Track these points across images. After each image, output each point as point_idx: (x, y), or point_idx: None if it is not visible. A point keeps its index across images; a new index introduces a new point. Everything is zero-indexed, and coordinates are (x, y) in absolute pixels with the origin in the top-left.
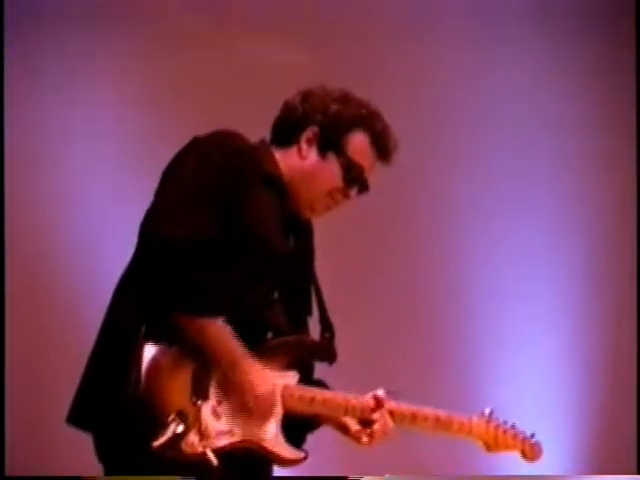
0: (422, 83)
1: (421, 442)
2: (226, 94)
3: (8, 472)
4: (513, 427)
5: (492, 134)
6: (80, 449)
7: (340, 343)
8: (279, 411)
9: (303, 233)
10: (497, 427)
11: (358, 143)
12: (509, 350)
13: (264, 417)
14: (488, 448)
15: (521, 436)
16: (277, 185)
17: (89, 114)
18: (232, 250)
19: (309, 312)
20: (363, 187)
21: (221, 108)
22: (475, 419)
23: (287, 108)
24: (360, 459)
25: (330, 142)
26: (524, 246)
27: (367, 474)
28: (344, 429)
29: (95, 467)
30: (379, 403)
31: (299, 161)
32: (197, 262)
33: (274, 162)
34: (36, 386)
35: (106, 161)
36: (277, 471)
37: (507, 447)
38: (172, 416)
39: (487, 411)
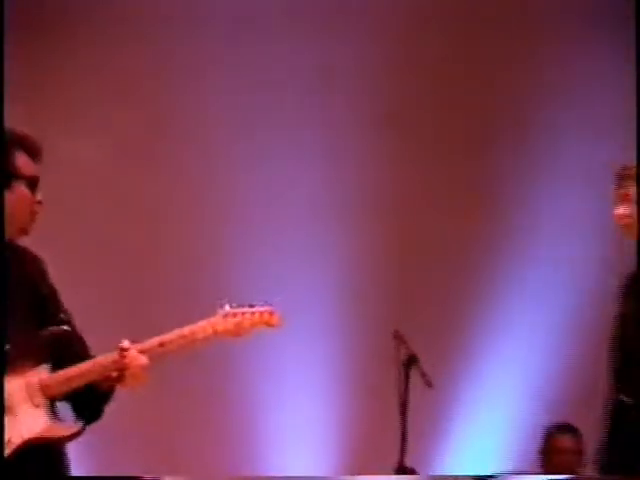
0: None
1: None
2: None
3: None
4: (251, 306)
5: None
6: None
7: None
8: (41, 402)
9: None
10: (234, 314)
11: (16, 162)
12: None
13: (23, 416)
14: (238, 335)
15: (256, 310)
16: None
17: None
18: None
19: (33, 323)
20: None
21: None
22: (213, 319)
23: None
24: None
25: (4, 177)
26: None
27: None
28: (113, 381)
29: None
30: (122, 351)
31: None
32: None
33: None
34: None
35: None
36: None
37: (251, 326)
38: None
39: (224, 307)
